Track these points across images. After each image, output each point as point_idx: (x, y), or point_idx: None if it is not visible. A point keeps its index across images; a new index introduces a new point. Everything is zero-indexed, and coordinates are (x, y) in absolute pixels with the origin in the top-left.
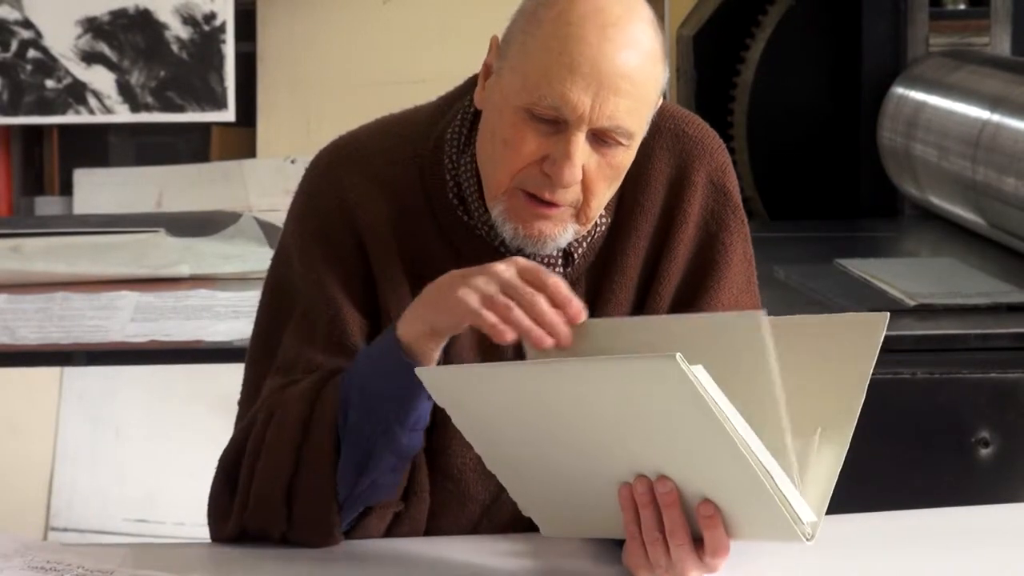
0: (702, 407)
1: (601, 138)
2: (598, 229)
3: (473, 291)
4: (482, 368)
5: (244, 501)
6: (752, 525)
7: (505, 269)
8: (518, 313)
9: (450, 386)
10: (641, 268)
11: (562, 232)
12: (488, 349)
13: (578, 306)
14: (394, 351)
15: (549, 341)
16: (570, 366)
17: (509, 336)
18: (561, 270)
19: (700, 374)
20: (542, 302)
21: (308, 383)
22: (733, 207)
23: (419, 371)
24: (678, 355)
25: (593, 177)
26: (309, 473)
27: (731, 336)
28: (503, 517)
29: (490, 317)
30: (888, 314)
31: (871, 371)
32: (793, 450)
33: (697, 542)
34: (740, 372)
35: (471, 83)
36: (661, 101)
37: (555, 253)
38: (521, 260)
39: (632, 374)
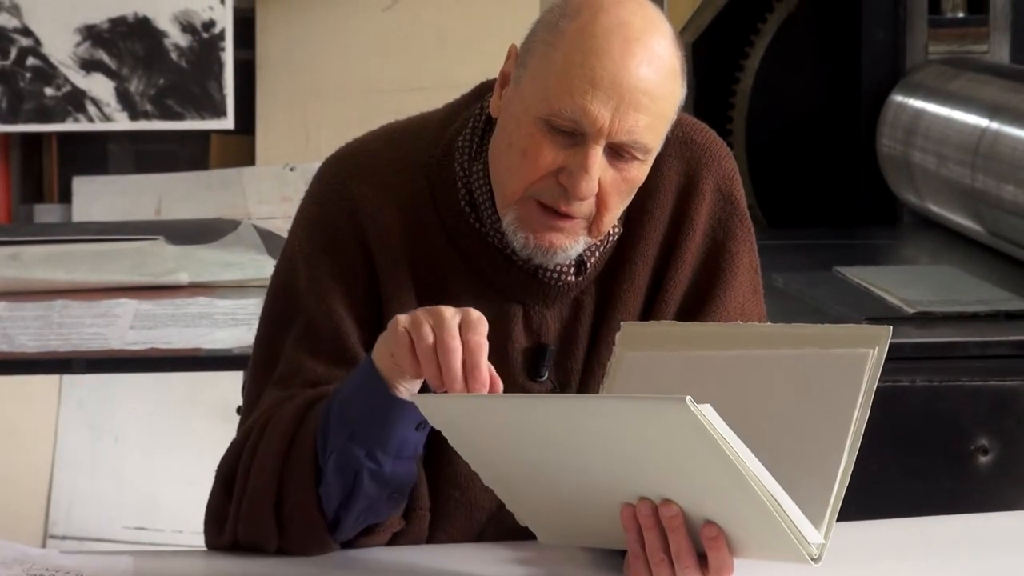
0: (712, 446)
1: (618, 152)
2: (610, 238)
3: (411, 320)
4: (481, 398)
5: (237, 514)
6: (758, 546)
7: (453, 315)
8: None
9: (446, 413)
10: (649, 275)
11: (573, 244)
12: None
13: (483, 380)
14: (371, 376)
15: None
16: (576, 402)
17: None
18: (573, 279)
19: (709, 414)
20: (455, 360)
21: (300, 401)
22: (740, 216)
23: (414, 398)
24: (688, 398)
25: (608, 191)
26: (293, 492)
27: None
28: (509, 525)
29: (406, 357)
30: (891, 328)
31: (875, 385)
32: (840, 479)
33: (700, 559)
34: (822, 403)
35: (480, 90)
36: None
37: (567, 262)
38: (473, 312)
39: (640, 413)
